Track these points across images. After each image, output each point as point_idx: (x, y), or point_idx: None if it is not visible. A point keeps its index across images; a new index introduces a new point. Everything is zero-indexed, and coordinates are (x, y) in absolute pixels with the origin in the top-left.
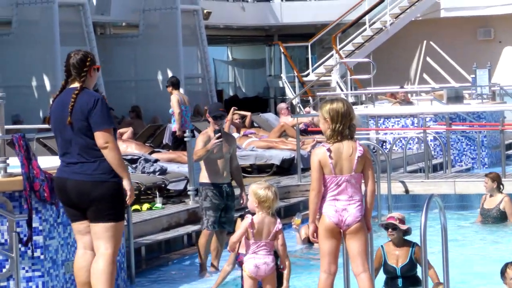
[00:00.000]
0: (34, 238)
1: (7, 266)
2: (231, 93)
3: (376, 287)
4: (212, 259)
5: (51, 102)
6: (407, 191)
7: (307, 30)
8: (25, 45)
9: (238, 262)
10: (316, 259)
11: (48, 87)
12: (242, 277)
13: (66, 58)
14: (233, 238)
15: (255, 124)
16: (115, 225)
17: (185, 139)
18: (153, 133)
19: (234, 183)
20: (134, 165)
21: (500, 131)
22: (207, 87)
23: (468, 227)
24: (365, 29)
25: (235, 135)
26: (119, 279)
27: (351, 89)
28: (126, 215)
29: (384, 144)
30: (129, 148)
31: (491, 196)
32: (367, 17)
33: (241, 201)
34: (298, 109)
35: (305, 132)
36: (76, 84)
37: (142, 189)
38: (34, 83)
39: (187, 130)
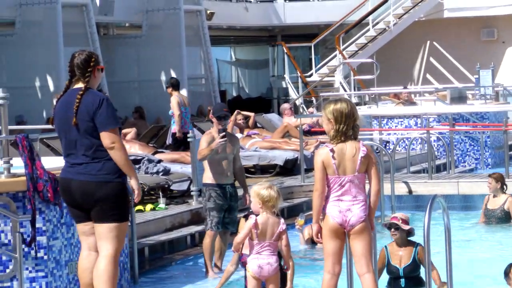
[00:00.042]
0: (38, 238)
1: (10, 267)
2: (234, 94)
3: (379, 287)
4: (215, 259)
5: (54, 103)
6: (410, 191)
7: (310, 31)
8: (28, 46)
9: (241, 262)
10: (319, 260)
11: (51, 87)
12: (245, 277)
13: (70, 58)
14: (237, 239)
15: (258, 125)
16: (118, 226)
17: (188, 139)
18: (156, 134)
19: (237, 184)
20: (137, 166)
21: (504, 132)
22: (210, 87)
23: (472, 228)
24: (368, 30)
25: (238, 135)
26: (122, 280)
27: (354, 90)
28: (129, 216)
29: (388, 144)
30: (133, 148)
31: (494, 196)
32: (370, 18)
33: (244, 202)
34: (301, 110)
35: (308, 132)
36: (80, 85)
37: (145, 189)
38: (37, 84)
39: (190, 131)
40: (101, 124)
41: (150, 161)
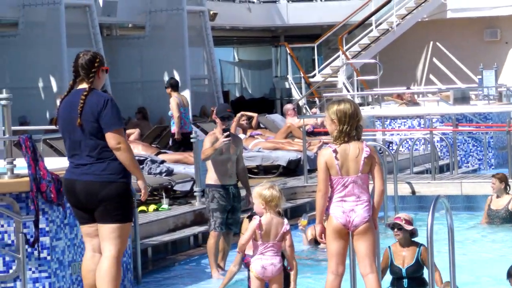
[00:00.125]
0: (41, 239)
1: (14, 267)
2: (237, 94)
3: (382, 287)
4: (218, 260)
5: (58, 103)
6: (413, 192)
7: (314, 31)
8: (31, 47)
9: (244, 263)
10: (322, 260)
11: (54, 88)
12: (248, 278)
13: (75, 59)
14: (242, 240)
15: (262, 125)
16: (121, 226)
17: (191, 140)
18: (160, 134)
19: (239, 185)
20: (140, 166)
21: (507, 132)
22: (213, 88)
23: (475, 228)
24: (371, 30)
25: (241, 136)
26: (125, 280)
27: (357, 90)
28: (133, 217)
29: (391, 145)
30: (136, 149)
31: (498, 197)
32: (373, 18)
33: (247, 203)
34: (304, 110)
35: (312, 133)
36: (84, 85)
37: (148, 190)
38: (40, 84)
39: (190, 131)
40: (106, 125)
41: (153, 161)
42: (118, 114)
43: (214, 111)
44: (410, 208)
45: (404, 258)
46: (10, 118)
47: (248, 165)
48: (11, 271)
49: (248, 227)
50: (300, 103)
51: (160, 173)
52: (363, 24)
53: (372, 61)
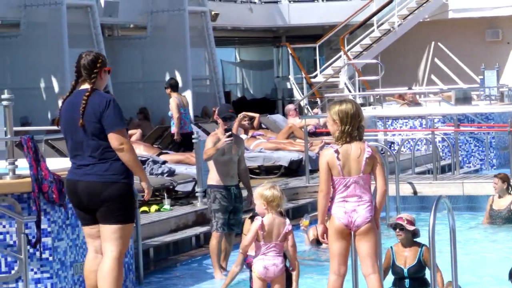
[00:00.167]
0: (43, 239)
1: (15, 268)
2: (239, 95)
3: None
4: (220, 260)
5: (60, 104)
6: (415, 192)
7: (315, 32)
8: (33, 47)
9: (246, 263)
10: (324, 261)
11: (56, 88)
12: (250, 278)
13: (77, 59)
14: (245, 241)
15: (263, 126)
16: (123, 227)
17: (193, 140)
18: (161, 135)
19: (241, 185)
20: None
21: (509, 132)
22: (215, 88)
23: (477, 229)
24: (373, 30)
25: (243, 136)
26: (127, 281)
27: (359, 91)
28: (135, 218)
29: (392, 145)
30: (137, 149)
31: (500, 197)
32: (375, 18)
33: (249, 203)
34: (306, 111)
35: (313, 134)
36: (86, 86)
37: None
38: (42, 85)
39: (190, 131)
40: (108, 126)
41: (155, 162)
42: (121, 115)
43: (216, 112)
44: (411, 209)
45: (406, 258)
46: (12, 118)
47: (250, 166)
48: (13, 271)
49: (250, 228)
50: (302, 103)
51: (162, 173)
52: (365, 25)
53: (374, 61)
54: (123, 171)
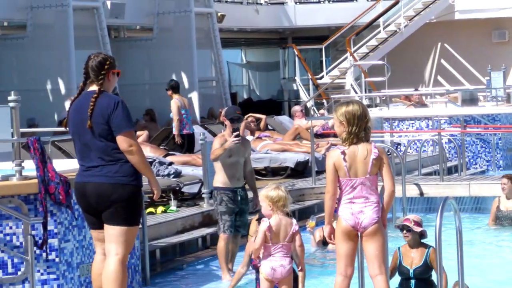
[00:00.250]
0: (49, 241)
1: (22, 269)
2: (245, 96)
3: None
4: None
5: (68, 105)
6: (421, 193)
7: (321, 33)
8: (39, 49)
9: (252, 265)
10: (331, 262)
11: (63, 90)
12: (256, 279)
13: (86, 60)
14: (255, 245)
15: (269, 127)
16: (129, 229)
17: (199, 142)
18: (167, 136)
19: (246, 187)
20: None
21: None
22: (221, 90)
23: (483, 230)
24: (379, 32)
25: (249, 137)
26: (133, 282)
27: (365, 92)
28: (141, 220)
29: (399, 146)
30: (144, 151)
31: (508, 198)
32: (381, 20)
33: (255, 206)
34: (312, 112)
35: (320, 135)
36: (94, 87)
37: None
38: (48, 86)
39: (201, 133)
40: (117, 127)
41: (161, 163)
42: (129, 117)
43: (224, 113)
44: (418, 210)
45: (413, 259)
46: (19, 120)
47: (256, 167)
48: (19, 273)
49: (258, 231)
50: (308, 104)
51: (168, 175)
52: (371, 26)
53: (380, 62)
54: (132, 173)
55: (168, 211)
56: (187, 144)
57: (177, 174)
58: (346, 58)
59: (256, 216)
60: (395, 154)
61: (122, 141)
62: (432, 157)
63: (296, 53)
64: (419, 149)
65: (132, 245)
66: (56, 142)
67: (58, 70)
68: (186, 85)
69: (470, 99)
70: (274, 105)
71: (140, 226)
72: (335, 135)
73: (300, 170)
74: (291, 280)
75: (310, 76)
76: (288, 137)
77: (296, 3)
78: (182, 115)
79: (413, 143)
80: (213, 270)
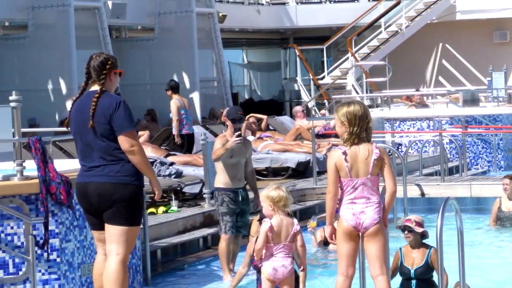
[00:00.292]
0: (51, 241)
1: (23, 269)
2: (246, 96)
3: None
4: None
5: (70, 105)
6: (423, 194)
7: (323, 33)
8: (41, 49)
9: (253, 265)
10: (332, 262)
11: (64, 90)
12: (257, 279)
13: (88, 60)
14: (257, 245)
15: (271, 127)
16: (131, 229)
17: (201, 142)
18: (169, 136)
19: (247, 187)
20: None
21: None
22: (222, 90)
23: (484, 230)
24: (380, 32)
25: (250, 138)
26: (135, 282)
27: (366, 92)
28: (142, 220)
29: (400, 147)
30: (145, 151)
31: (510, 199)
32: (382, 20)
33: (255, 206)
34: (313, 112)
35: (321, 135)
36: (96, 87)
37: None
38: (50, 86)
39: (202, 133)
40: (118, 127)
41: (162, 163)
42: (131, 117)
43: (225, 114)
44: (419, 210)
45: (414, 259)
46: (20, 120)
47: (257, 167)
48: (20, 273)
49: (260, 231)
50: (309, 105)
51: (170, 175)
52: (372, 26)
53: (381, 63)
54: (134, 172)
55: (169, 211)
56: (186, 144)
57: (178, 175)
58: (347, 58)
59: (258, 217)
60: (396, 155)
61: (123, 141)
62: (433, 158)
63: (298, 53)
64: (420, 150)
65: (133, 245)
66: (57, 142)
67: (59, 70)
68: (188, 85)
69: (471, 100)
70: (275, 106)
71: (141, 226)
72: (336, 136)
73: (301, 171)
74: (293, 280)
75: (311, 77)
76: (289, 138)
77: (297, 3)
78: (182, 115)
79: (414, 143)
80: (214, 271)
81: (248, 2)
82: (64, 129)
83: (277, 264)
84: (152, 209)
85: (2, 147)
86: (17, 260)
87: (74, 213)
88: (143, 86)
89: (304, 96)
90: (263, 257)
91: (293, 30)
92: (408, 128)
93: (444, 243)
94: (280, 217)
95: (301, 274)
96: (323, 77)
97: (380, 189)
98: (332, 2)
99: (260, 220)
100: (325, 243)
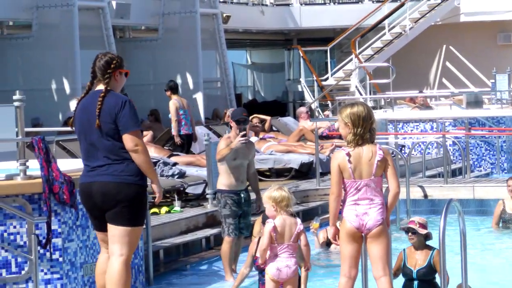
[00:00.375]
0: (53, 240)
1: (26, 268)
2: (250, 97)
3: None
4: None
5: (75, 104)
6: (426, 195)
7: (326, 34)
8: (44, 48)
9: (255, 265)
10: (334, 263)
11: (67, 90)
12: (259, 280)
13: (94, 60)
14: (262, 246)
15: (274, 128)
16: (133, 230)
17: (204, 143)
18: (171, 137)
19: (249, 188)
20: None
21: None
22: (226, 91)
23: (487, 232)
24: (384, 34)
25: (254, 139)
26: (137, 282)
27: (370, 94)
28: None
29: (403, 148)
30: (148, 151)
31: None
32: (386, 22)
33: (258, 208)
34: (317, 113)
35: (325, 137)
36: (101, 87)
37: None
38: (53, 86)
39: (205, 134)
40: (123, 127)
41: (165, 164)
42: (136, 116)
43: (230, 115)
44: (422, 212)
45: (417, 260)
46: (23, 119)
47: (261, 168)
48: (23, 272)
49: (263, 231)
50: (313, 106)
51: (173, 175)
52: (376, 28)
53: (385, 64)
54: (138, 172)
55: (172, 211)
56: (186, 145)
57: (181, 175)
58: (351, 60)
59: (260, 218)
60: (399, 156)
61: (128, 140)
62: (437, 159)
63: (301, 54)
64: (424, 151)
65: (136, 246)
66: (60, 142)
67: (63, 70)
68: (191, 85)
69: (475, 102)
70: (279, 106)
71: (144, 226)
72: (340, 137)
73: (305, 172)
74: (296, 280)
75: (315, 78)
76: (293, 139)
77: (301, 4)
78: (181, 116)
79: (418, 145)
80: (216, 271)
81: (252, 3)
82: (67, 128)
83: (281, 264)
84: (155, 209)
85: (6, 147)
86: (19, 260)
87: (77, 212)
88: (147, 86)
89: (308, 97)
90: (267, 259)
91: (297, 31)
92: (411, 130)
93: (446, 245)
94: (283, 217)
95: (303, 274)
96: (327, 78)
97: (383, 190)
98: (336, 4)
99: (263, 221)
100: (327, 244)
